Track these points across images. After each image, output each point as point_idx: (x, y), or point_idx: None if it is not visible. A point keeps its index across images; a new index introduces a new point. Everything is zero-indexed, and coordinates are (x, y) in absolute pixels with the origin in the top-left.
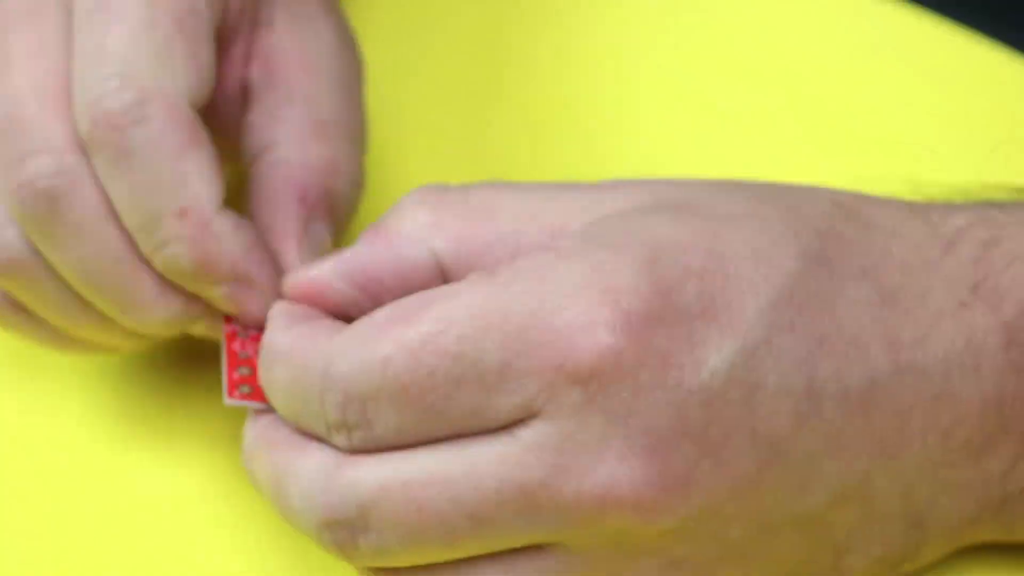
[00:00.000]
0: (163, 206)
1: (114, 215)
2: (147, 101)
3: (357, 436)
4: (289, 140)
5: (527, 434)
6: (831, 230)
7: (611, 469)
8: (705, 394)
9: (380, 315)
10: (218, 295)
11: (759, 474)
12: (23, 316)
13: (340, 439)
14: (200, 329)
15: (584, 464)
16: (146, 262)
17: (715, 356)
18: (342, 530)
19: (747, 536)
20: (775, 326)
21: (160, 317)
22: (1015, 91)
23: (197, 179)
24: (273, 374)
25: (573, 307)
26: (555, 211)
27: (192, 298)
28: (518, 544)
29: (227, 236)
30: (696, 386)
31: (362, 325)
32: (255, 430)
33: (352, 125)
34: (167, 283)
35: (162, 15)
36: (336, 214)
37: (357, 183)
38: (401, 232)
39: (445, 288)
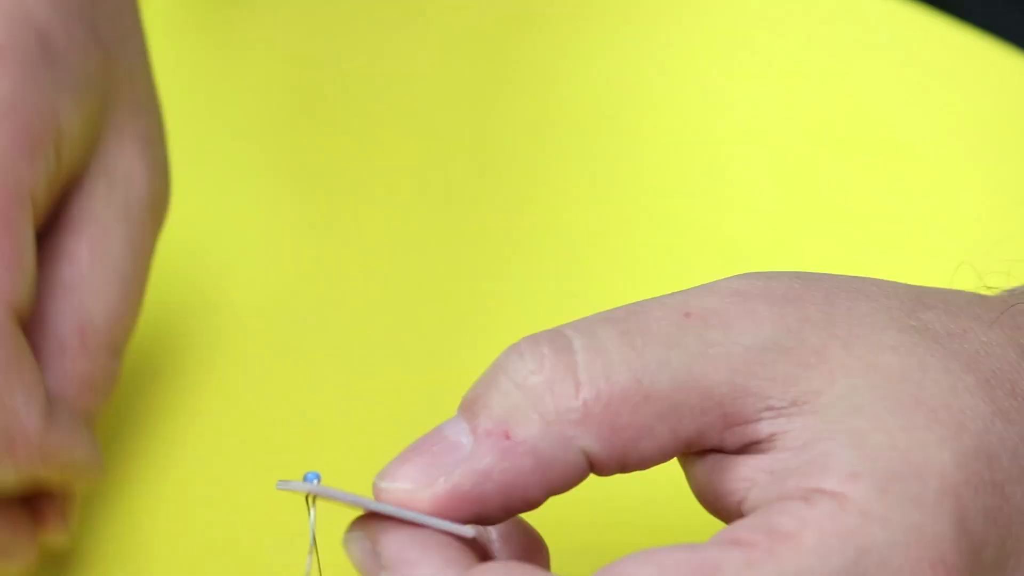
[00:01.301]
0: None
1: None
2: None
3: None
4: (54, 355)
5: None
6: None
7: None
8: None
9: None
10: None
11: None
12: None
13: None
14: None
15: None
16: None
17: None
18: None
19: None
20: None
21: None
22: (1016, 91)
23: (23, 401)
24: None
25: None
26: (716, 368)
27: None
28: None
29: (60, 447)
30: None
31: None
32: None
33: (121, 317)
34: None
35: None
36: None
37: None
38: (540, 430)
39: (726, 553)
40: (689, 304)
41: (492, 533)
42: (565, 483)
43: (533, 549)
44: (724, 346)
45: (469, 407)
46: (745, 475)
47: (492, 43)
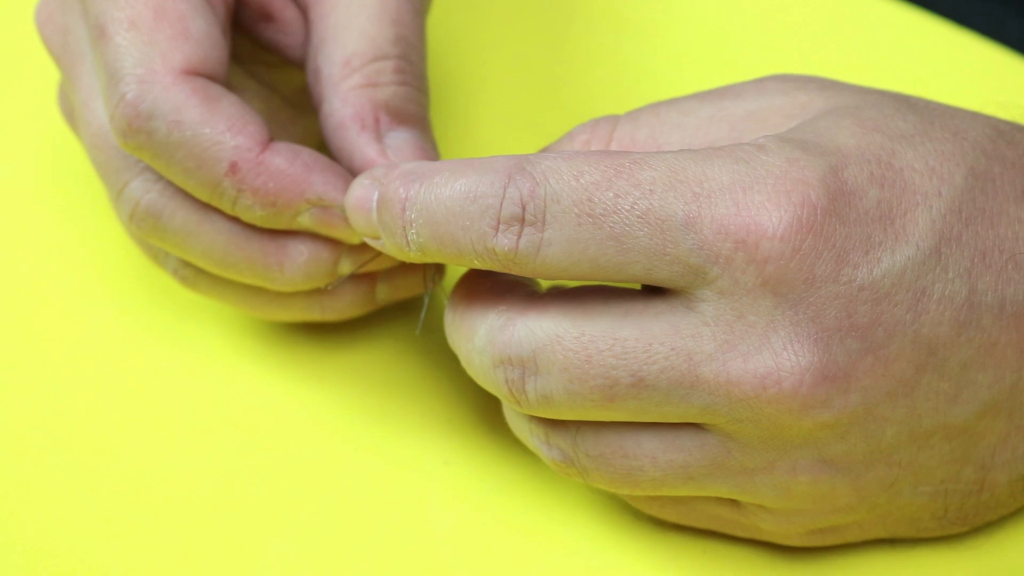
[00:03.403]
0: (214, 173)
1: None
2: (146, 96)
3: (527, 235)
4: (326, 91)
5: (706, 308)
6: (995, 152)
7: (775, 353)
8: (874, 293)
9: (579, 151)
10: (307, 224)
11: (916, 378)
12: (206, 278)
13: (506, 238)
14: (347, 267)
15: (751, 344)
16: (257, 228)
17: (888, 259)
18: (513, 369)
19: (899, 441)
20: (944, 237)
21: (295, 273)
22: (1015, 91)
23: (228, 133)
24: (434, 183)
25: (764, 190)
26: (719, 131)
27: (314, 239)
28: (671, 418)
29: (282, 169)
30: (867, 284)
31: (560, 150)
32: (454, 299)
33: (384, 42)
34: (281, 234)
35: (140, 11)
36: (402, 113)
37: (403, 82)
38: None
39: (646, 151)
40: (721, 89)
41: None
42: None
43: None
44: (732, 110)
45: (544, 150)
46: None
47: (492, 42)
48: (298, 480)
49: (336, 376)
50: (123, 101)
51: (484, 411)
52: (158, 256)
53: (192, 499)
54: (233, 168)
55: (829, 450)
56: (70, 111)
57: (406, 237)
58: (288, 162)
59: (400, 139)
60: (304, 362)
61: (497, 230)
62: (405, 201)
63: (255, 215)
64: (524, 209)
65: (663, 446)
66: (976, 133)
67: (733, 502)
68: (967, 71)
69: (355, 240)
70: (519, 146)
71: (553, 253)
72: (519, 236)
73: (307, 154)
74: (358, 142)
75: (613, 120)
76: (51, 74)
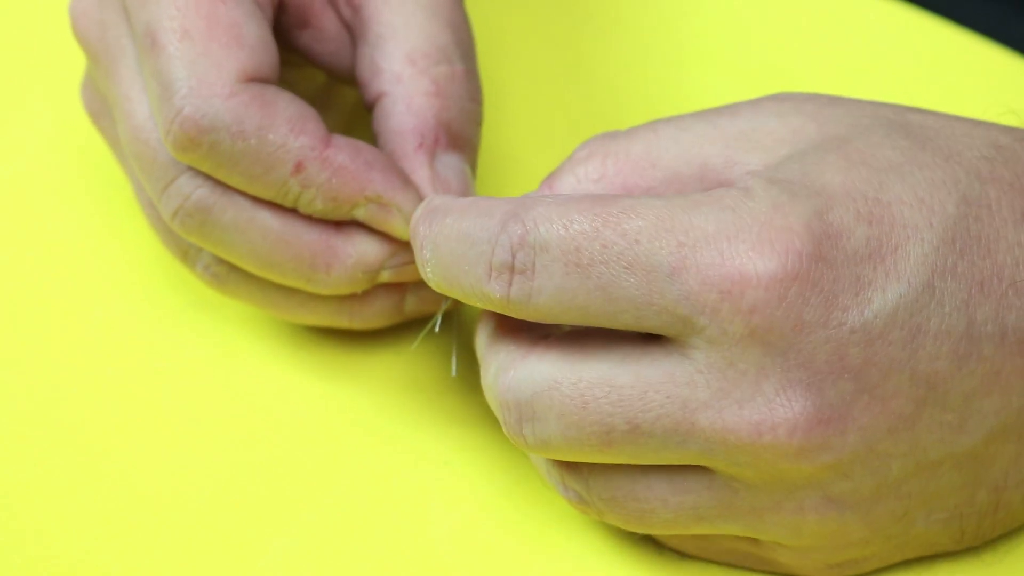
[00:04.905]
0: (279, 174)
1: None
2: (206, 109)
3: (516, 283)
4: (389, 86)
5: (698, 356)
6: (992, 174)
7: (768, 400)
8: (866, 335)
9: (574, 196)
10: (362, 217)
11: (916, 412)
12: (238, 277)
13: (497, 285)
14: (386, 275)
15: (744, 391)
16: (302, 225)
17: (879, 298)
18: (511, 413)
19: (905, 474)
20: (937, 270)
21: (342, 275)
22: (1015, 91)
23: (291, 135)
24: (445, 225)
25: (748, 239)
26: (712, 148)
27: (354, 241)
28: (671, 461)
29: (344, 166)
30: (859, 326)
31: (556, 196)
32: (481, 328)
33: (446, 44)
34: (331, 236)
35: (193, 20)
36: (460, 136)
37: (470, 98)
38: (571, 187)
39: (637, 196)
40: (719, 108)
41: None
42: None
43: None
44: (727, 128)
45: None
46: None
47: (492, 45)
48: (299, 480)
49: (337, 376)
50: (180, 115)
51: (485, 412)
52: (188, 253)
53: (192, 499)
54: (298, 167)
55: (834, 488)
56: (99, 106)
57: (426, 272)
58: (350, 159)
59: (450, 167)
60: (303, 362)
61: (490, 276)
62: (424, 239)
63: (316, 207)
64: (514, 257)
65: (672, 488)
66: (971, 154)
67: (751, 537)
68: (968, 72)
69: (408, 236)
70: (529, 151)
71: (544, 301)
72: (509, 284)
73: (367, 151)
74: (412, 160)
75: (612, 137)
76: (52, 75)
